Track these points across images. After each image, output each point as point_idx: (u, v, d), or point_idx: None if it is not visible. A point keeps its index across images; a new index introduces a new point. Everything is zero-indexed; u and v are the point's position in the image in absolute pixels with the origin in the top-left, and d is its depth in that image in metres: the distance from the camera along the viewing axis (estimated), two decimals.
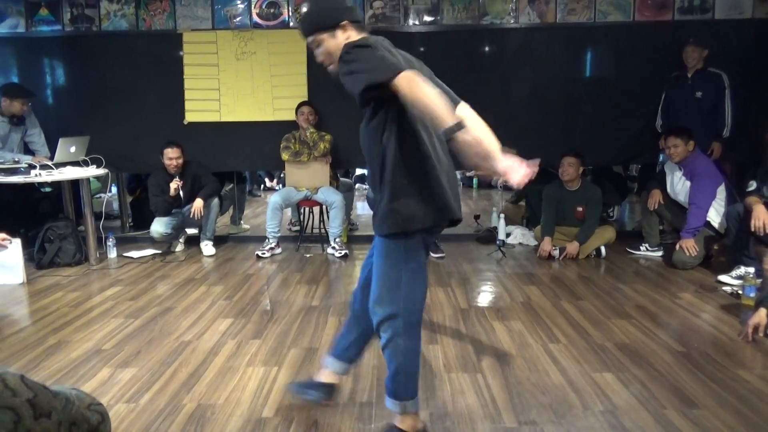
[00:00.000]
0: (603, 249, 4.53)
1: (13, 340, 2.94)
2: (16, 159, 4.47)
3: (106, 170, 4.69)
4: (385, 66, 1.64)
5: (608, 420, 2.11)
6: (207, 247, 4.85)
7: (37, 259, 4.34)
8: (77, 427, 0.93)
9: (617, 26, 4.93)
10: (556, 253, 4.50)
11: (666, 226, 4.75)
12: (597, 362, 2.61)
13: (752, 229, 3.53)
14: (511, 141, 5.35)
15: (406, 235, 1.86)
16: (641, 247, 4.59)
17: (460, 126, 1.55)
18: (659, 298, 3.52)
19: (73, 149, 4.62)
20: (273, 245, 4.77)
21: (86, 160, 4.67)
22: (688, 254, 4.05)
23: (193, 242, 5.04)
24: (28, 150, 4.86)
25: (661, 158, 5.10)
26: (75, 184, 4.59)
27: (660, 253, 4.51)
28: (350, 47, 1.71)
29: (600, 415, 2.14)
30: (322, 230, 5.08)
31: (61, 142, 4.51)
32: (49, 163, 4.38)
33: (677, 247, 4.12)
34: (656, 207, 4.41)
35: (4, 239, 3.90)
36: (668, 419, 2.11)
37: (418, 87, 1.58)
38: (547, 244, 4.51)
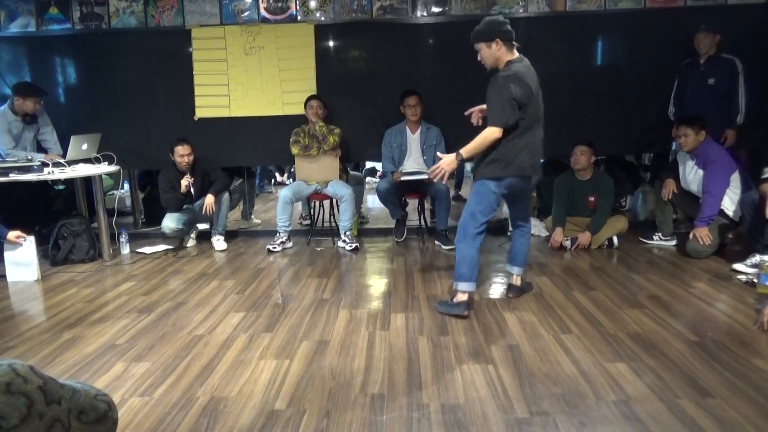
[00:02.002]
0: (615, 239, 4.50)
1: (29, 336, 2.98)
2: (30, 157, 4.51)
3: (118, 167, 4.73)
4: (502, 115, 2.92)
5: (621, 410, 2.10)
6: (218, 242, 4.87)
7: (52, 256, 4.39)
8: (86, 414, 0.95)
9: (628, 13, 4.87)
10: (567, 243, 4.47)
11: (680, 215, 4.70)
12: (610, 352, 2.60)
13: (767, 217, 3.48)
14: None
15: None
16: (654, 237, 4.55)
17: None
18: (673, 287, 3.49)
19: (85, 146, 4.66)
20: (284, 239, 4.79)
21: (98, 157, 4.72)
22: (702, 243, 4.01)
23: (204, 237, 5.07)
24: (40, 148, 4.91)
25: (674, 147, 5.04)
26: (88, 181, 4.63)
27: (673, 243, 4.47)
28: (505, 77, 2.92)
29: (613, 405, 2.13)
30: (333, 224, 5.09)
31: (73, 140, 4.56)
32: (62, 160, 4.42)
33: (691, 236, 4.08)
34: (670, 197, 4.36)
35: (18, 237, 3.95)
36: (682, 409, 2.09)
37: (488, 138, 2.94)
38: (558, 235, 4.48)
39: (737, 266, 3.72)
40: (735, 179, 4.07)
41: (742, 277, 3.57)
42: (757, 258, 3.59)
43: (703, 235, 4.01)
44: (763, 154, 4.76)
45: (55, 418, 0.87)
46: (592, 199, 4.51)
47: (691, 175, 4.22)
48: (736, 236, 4.28)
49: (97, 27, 5.17)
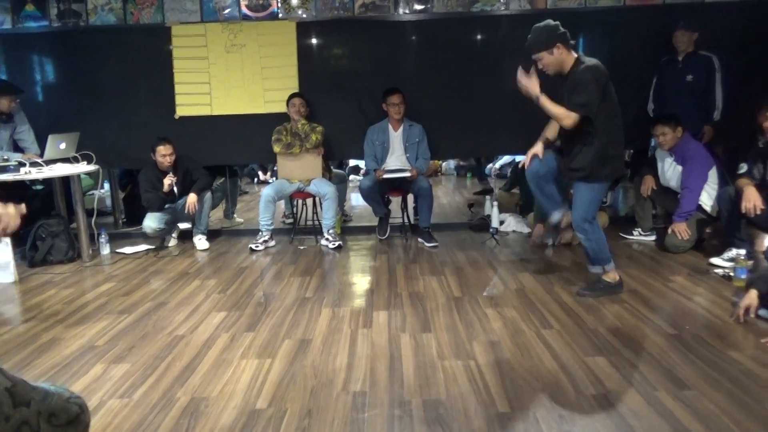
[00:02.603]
0: None
1: (7, 338, 2.93)
2: (6, 157, 4.44)
3: (97, 166, 4.67)
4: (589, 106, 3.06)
5: (600, 403, 2.12)
6: (200, 242, 4.84)
7: (29, 257, 4.32)
8: (56, 417, 0.94)
9: (608, 11, 4.91)
10: (549, 240, 4.51)
11: (659, 211, 4.76)
12: (590, 347, 2.62)
13: (743, 212, 3.54)
14: (505, 127, 5.27)
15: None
16: (634, 232, 4.61)
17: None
18: (652, 282, 3.53)
19: (63, 146, 4.59)
20: (266, 238, 4.76)
21: (77, 156, 4.65)
22: (680, 238, 4.07)
23: (186, 237, 5.03)
24: (17, 148, 4.83)
25: (653, 143, 5.09)
26: (66, 181, 4.57)
27: (653, 238, 4.52)
28: (589, 73, 3.06)
29: (592, 399, 2.16)
30: (316, 222, 5.08)
31: (51, 139, 4.49)
32: (39, 160, 4.36)
33: (669, 231, 4.13)
34: (649, 193, 4.41)
35: None
36: (659, 401, 2.12)
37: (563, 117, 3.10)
38: (540, 230, 4.51)
39: (714, 260, 3.78)
40: (712, 175, 4.13)
41: (720, 271, 3.63)
42: (733, 252, 3.66)
43: (682, 230, 4.06)
44: (739, 149, 4.83)
45: (23, 421, 0.86)
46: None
47: (670, 171, 4.28)
48: (713, 231, 4.35)
49: (74, 24, 5.09)
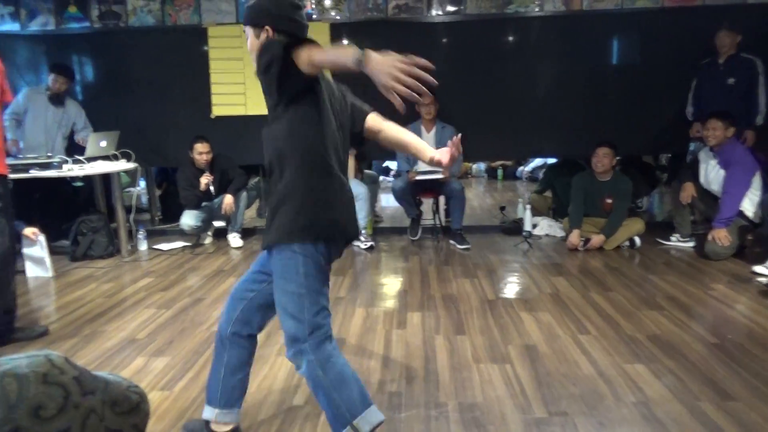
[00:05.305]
0: (637, 239, 4.46)
1: (51, 329, 3.02)
2: (50, 154, 4.56)
3: (136, 164, 4.77)
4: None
5: (641, 411, 2.09)
6: (235, 239, 4.90)
7: (71, 251, 4.44)
8: (119, 405, 0.97)
9: (645, 12, 4.83)
10: (580, 243, 4.44)
11: (698, 217, 4.66)
12: (628, 353, 2.58)
13: None
14: (538, 132, 5.21)
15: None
16: (672, 238, 4.51)
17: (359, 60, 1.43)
18: (691, 289, 3.46)
19: (103, 144, 4.70)
20: None
21: (116, 154, 4.76)
22: (720, 245, 3.97)
23: (220, 234, 5.11)
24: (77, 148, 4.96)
25: (691, 147, 5.00)
26: (105, 178, 4.67)
27: (692, 244, 4.42)
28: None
29: (632, 407, 2.12)
30: None
31: (92, 137, 4.61)
32: (81, 158, 4.47)
33: (709, 237, 4.04)
34: (689, 201, 4.31)
35: (34, 233, 3.98)
36: (703, 411, 2.08)
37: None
38: (575, 237, 4.44)
39: (757, 268, 3.67)
40: (756, 181, 4.02)
41: (763, 280, 3.53)
42: None
43: (722, 237, 3.97)
44: None
45: (91, 409, 0.89)
46: (608, 201, 4.46)
47: (713, 174, 4.18)
48: (756, 238, 4.23)
49: (115, 25, 5.22)
